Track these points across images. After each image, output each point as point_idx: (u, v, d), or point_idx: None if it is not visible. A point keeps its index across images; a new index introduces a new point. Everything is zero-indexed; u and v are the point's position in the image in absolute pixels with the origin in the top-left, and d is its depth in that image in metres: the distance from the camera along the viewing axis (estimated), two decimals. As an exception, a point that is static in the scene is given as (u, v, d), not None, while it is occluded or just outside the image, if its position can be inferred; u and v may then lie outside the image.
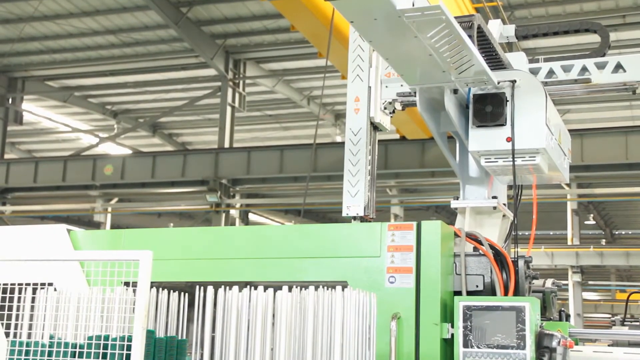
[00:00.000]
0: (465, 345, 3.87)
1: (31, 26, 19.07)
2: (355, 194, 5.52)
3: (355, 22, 4.09)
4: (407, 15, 3.87)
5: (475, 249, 4.41)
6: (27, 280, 3.52)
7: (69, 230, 4.71)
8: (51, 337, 3.34)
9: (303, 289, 3.41)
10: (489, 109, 4.86)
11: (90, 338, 3.27)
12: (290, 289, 3.37)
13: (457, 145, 5.45)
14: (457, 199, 5.38)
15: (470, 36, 4.34)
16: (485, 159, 4.96)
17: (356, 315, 3.43)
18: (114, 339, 3.23)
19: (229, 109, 20.53)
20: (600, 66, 5.53)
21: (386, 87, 5.76)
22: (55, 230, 4.71)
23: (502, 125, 4.83)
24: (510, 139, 4.79)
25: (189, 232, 4.81)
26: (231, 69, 20.48)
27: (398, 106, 5.81)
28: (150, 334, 3.37)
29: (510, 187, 5.47)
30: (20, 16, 18.55)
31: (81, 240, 4.70)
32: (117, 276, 3.46)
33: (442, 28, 4.02)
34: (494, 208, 5.24)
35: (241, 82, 21.00)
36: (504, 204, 5.41)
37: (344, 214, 5.53)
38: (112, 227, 23.48)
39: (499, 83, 4.83)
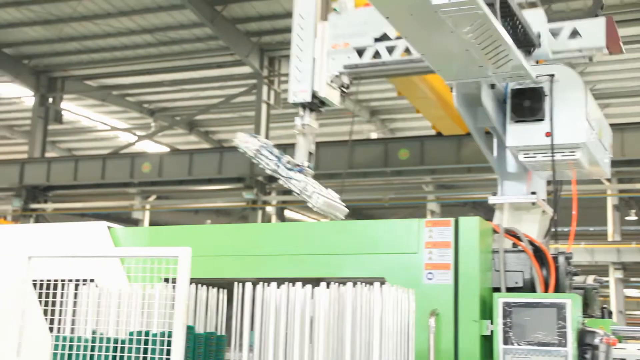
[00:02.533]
0: (505, 342, 3.84)
1: (70, 27, 19.33)
2: (301, 78, 5.44)
3: (390, 18, 4.09)
4: (443, 10, 3.85)
5: (514, 245, 4.37)
6: (70, 277, 3.58)
7: (109, 228, 4.77)
8: (93, 332, 3.39)
9: (341, 285, 3.41)
10: (527, 103, 4.81)
11: (131, 333, 3.31)
12: (328, 286, 3.37)
13: (495, 140, 5.40)
14: (495, 195, 5.34)
15: (490, 4, 4.10)
16: (524, 154, 4.92)
17: (394, 312, 3.42)
18: (155, 335, 3.27)
19: (264, 106, 20.58)
20: (555, 32, 5.19)
21: (333, 59, 5.54)
22: (96, 228, 4.78)
23: (541, 120, 4.78)
24: (549, 134, 4.74)
25: (226, 229, 4.84)
26: (266, 66, 20.52)
27: (346, 79, 5.56)
28: (190, 329, 3.40)
29: (549, 183, 5.41)
30: (59, 17, 18.81)
31: (121, 237, 4.75)
32: (156, 272, 3.50)
33: (479, 23, 3.99)
34: (533, 204, 5.19)
35: (276, 80, 21.03)
36: (543, 200, 5.35)
37: (290, 101, 5.54)
38: (150, 224, 23.69)
39: (537, 77, 4.78)
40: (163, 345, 3.20)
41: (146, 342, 3.27)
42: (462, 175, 18.48)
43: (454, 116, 14.38)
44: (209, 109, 23.15)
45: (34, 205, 21.90)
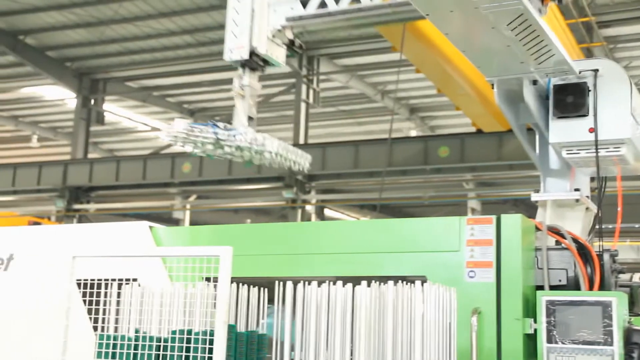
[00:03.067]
0: (549, 340, 3.79)
1: (111, 29, 19.58)
2: (238, 33, 4.74)
3: (430, 15, 4.05)
4: (483, 6, 3.81)
5: (557, 242, 4.31)
6: (113, 276, 3.61)
7: (151, 227, 4.81)
8: (136, 331, 3.42)
9: (382, 283, 3.39)
10: (570, 99, 4.74)
11: (174, 332, 3.33)
12: (369, 284, 3.36)
13: (537, 137, 5.33)
14: (538, 192, 5.27)
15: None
16: (567, 150, 4.85)
17: (436, 310, 3.39)
18: (197, 333, 3.29)
19: (303, 105, 20.63)
20: None
21: (274, 11, 4.95)
22: (138, 228, 4.82)
23: (585, 115, 4.70)
24: (593, 130, 4.66)
25: (267, 228, 4.85)
26: (305, 65, 20.57)
27: (290, 34, 4.93)
28: (231, 328, 3.41)
29: (593, 179, 5.32)
30: (101, 19, 19.07)
31: (162, 236, 4.79)
32: (198, 272, 3.53)
33: (520, 18, 3.94)
34: (577, 201, 5.11)
35: (315, 79, 21.06)
36: (587, 197, 5.27)
37: (225, 58, 4.86)
38: (191, 223, 23.89)
39: (580, 72, 4.71)
40: (205, 344, 3.22)
41: (188, 341, 3.29)
42: (503, 172, 18.30)
43: (494, 113, 14.25)
44: (248, 109, 23.24)
45: (77, 206, 22.23)
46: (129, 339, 3.35)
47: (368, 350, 3.28)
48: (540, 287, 4.11)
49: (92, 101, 23.75)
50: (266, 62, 4.84)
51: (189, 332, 3.32)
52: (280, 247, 4.55)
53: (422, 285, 3.33)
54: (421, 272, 4.06)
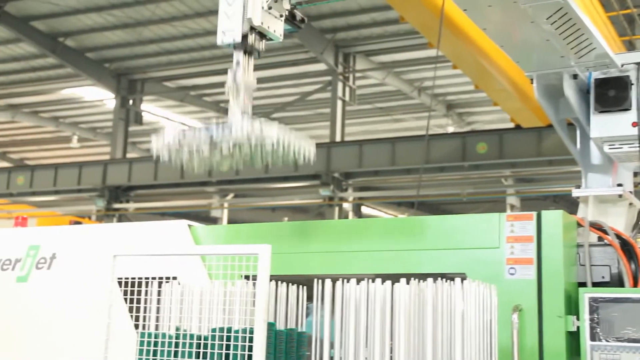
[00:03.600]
0: (593, 338, 3.73)
1: (149, 29, 19.79)
2: (232, 14, 4.20)
3: (468, 10, 4.03)
4: (522, 0, 3.77)
5: (600, 238, 4.25)
6: (153, 275, 3.64)
7: (189, 226, 4.84)
8: (177, 329, 3.44)
9: (421, 281, 3.37)
10: (612, 93, 4.66)
11: (213, 330, 3.35)
12: (408, 281, 3.34)
13: (578, 132, 5.26)
14: (579, 188, 5.20)
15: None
16: (609, 145, 4.77)
17: (476, 308, 3.36)
18: (237, 331, 3.30)
19: (339, 102, 20.62)
20: None
21: None
22: (177, 226, 4.86)
23: (627, 109, 4.63)
24: (636, 124, 4.58)
25: (304, 226, 4.84)
26: (341, 62, 20.56)
27: (287, 4, 4.33)
28: (270, 326, 3.42)
29: (636, 174, 5.23)
30: (138, 20, 19.28)
31: (201, 235, 4.82)
32: (237, 270, 3.54)
33: (560, 12, 3.89)
34: (620, 196, 5.03)
35: (351, 76, 21.04)
36: (630, 192, 5.18)
37: (218, 43, 4.38)
38: (229, 222, 24.03)
39: (622, 66, 4.63)
40: (245, 342, 3.23)
41: (228, 339, 3.30)
42: (542, 168, 18.10)
43: (533, 108, 14.09)
44: (284, 107, 23.33)
45: (116, 205, 22.51)
46: (170, 337, 3.37)
47: (408, 347, 3.27)
48: (583, 284, 4.05)
49: (131, 101, 24.02)
50: (263, 37, 4.29)
51: (229, 330, 3.33)
52: (318, 245, 4.54)
53: (462, 282, 3.30)
54: (460, 269, 4.02)
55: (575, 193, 5.20)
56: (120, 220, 22.51)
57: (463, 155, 17.78)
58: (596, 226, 4.30)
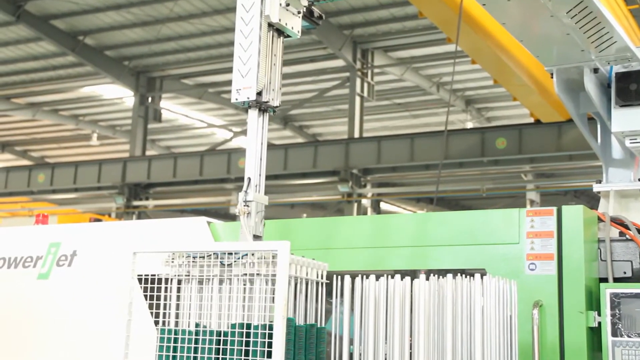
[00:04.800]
0: (614, 334, 3.70)
1: (167, 27, 19.85)
2: (246, 73, 4.14)
3: (487, 5, 4.00)
4: (542, -7, 3.74)
5: (621, 234, 4.21)
6: (173, 271, 3.65)
7: (209, 223, 4.86)
8: (197, 325, 3.45)
9: (441, 277, 3.36)
10: (634, 87, 4.62)
11: (233, 326, 3.36)
12: (427, 277, 3.33)
13: (599, 126, 5.21)
14: (600, 183, 5.16)
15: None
16: (631, 139, 4.73)
17: (496, 303, 3.35)
18: (256, 327, 3.30)
19: (358, 99, 20.59)
20: None
21: None
22: (197, 223, 4.87)
23: (649, 103, 4.58)
24: (658, 118, 4.54)
25: (323, 222, 4.85)
26: (359, 58, 20.52)
27: (305, 1, 4.21)
28: (290, 321, 3.42)
29: (658, 169, 5.18)
30: (157, 18, 19.35)
31: (220, 232, 4.83)
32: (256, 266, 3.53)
33: (580, 5, 3.86)
34: (641, 191, 4.99)
35: (369, 72, 21.01)
36: (652, 187, 5.14)
37: (233, 100, 4.28)
38: (248, 218, 24.02)
39: (643, 59, 4.59)
40: (264, 338, 3.23)
41: (248, 335, 3.31)
42: (562, 163, 17.98)
43: (553, 102, 14.00)
44: (302, 103, 23.33)
45: (136, 203, 22.62)
46: (190, 333, 3.38)
47: (427, 343, 3.26)
48: (604, 280, 4.02)
49: (150, 99, 24.13)
50: (280, 33, 4.17)
51: (248, 326, 3.34)
52: (337, 241, 4.54)
53: (482, 278, 3.29)
54: (480, 265, 4.01)
55: (596, 188, 5.15)
56: (139, 217, 22.63)
57: (482, 150, 17.69)
58: (617, 221, 4.27)
